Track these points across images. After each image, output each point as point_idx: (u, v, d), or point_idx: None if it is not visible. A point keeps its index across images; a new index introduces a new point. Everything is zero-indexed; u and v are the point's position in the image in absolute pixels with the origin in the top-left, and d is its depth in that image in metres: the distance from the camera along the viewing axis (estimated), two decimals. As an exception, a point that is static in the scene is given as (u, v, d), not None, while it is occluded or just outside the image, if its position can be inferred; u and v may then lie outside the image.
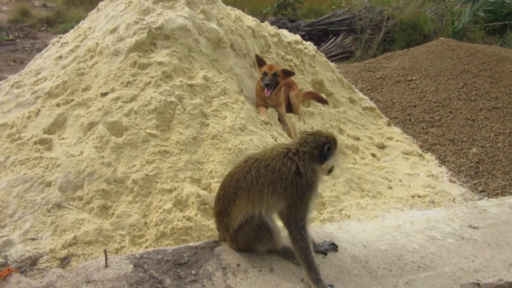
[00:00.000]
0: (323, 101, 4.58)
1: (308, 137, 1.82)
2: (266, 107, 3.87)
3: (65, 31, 7.03)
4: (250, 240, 1.69)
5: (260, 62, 3.92)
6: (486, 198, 3.15)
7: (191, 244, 1.75)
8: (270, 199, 1.71)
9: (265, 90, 3.77)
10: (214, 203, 1.93)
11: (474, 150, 4.39)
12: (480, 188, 3.85)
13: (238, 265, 1.63)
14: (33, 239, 2.55)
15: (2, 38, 8.55)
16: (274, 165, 1.72)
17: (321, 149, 1.76)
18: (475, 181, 3.96)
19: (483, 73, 5.74)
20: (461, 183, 3.93)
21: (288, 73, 3.89)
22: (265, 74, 3.80)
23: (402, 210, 3.31)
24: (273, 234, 1.69)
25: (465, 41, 8.02)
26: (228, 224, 1.75)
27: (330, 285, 1.66)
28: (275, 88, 3.82)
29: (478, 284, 1.71)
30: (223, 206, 1.81)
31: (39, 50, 7.12)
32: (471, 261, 1.84)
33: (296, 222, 1.63)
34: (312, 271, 1.61)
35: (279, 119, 3.95)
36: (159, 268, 1.54)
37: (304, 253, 1.61)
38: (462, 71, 5.88)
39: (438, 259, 1.83)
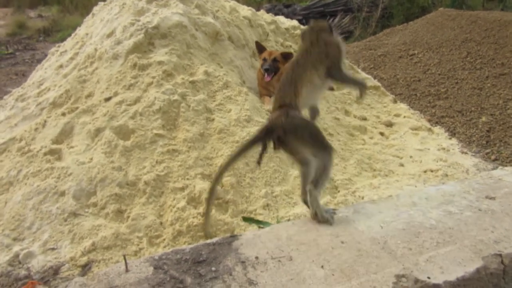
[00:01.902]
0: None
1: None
2: (270, 96, 3.85)
3: (63, 39, 7.04)
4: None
5: (260, 48, 3.89)
6: (500, 167, 3.12)
7: (208, 241, 1.75)
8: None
9: (265, 76, 3.74)
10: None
11: (483, 119, 4.34)
12: (493, 157, 3.82)
13: (256, 257, 1.63)
14: (53, 249, 2.58)
15: (1, 52, 8.59)
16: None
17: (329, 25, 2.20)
18: (487, 150, 3.93)
19: (487, 40, 5.65)
20: (473, 154, 3.90)
21: (287, 56, 3.83)
22: (264, 60, 3.78)
23: (415, 187, 3.29)
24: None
25: (465, 9, 7.88)
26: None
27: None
28: (275, 74, 3.78)
29: (500, 255, 1.70)
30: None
31: (39, 61, 7.14)
32: (490, 232, 1.82)
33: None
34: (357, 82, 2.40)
35: None
36: (179, 268, 1.55)
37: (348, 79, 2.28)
38: (465, 40, 5.79)
39: (457, 233, 1.81)
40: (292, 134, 1.80)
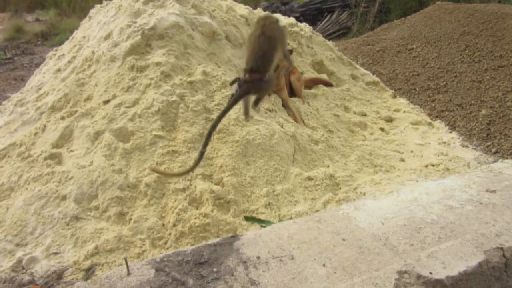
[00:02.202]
0: (328, 85, 4.55)
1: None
2: (269, 94, 3.85)
3: (60, 42, 7.03)
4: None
5: None
6: (500, 160, 3.11)
7: (210, 242, 1.75)
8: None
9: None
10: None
11: (483, 112, 4.33)
12: (493, 150, 3.81)
13: (258, 257, 1.63)
14: (56, 253, 2.58)
15: (0, 57, 8.59)
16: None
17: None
18: (488, 143, 3.92)
19: (484, 33, 5.63)
20: (474, 147, 3.90)
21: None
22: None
23: (417, 181, 3.29)
24: None
25: (462, 2, 7.86)
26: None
27: None
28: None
29: (502, 248, 1.70)
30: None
31: (37, 65, 7.14)
32: (492, 225, 1.82)
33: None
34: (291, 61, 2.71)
35: (283, 105, 3.92)
36: (181, 270, 1.55)
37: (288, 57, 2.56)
38: (463, 33, 5.78)
39: (458, 227, 1.81)
40: (258, 91, 2.41)
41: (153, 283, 1.48)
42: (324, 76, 4.67)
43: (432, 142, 3.92)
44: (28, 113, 3.59)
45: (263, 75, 2.34)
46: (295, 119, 3.77)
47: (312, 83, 4.48)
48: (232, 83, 2.55)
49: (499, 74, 4.85)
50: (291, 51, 3.87)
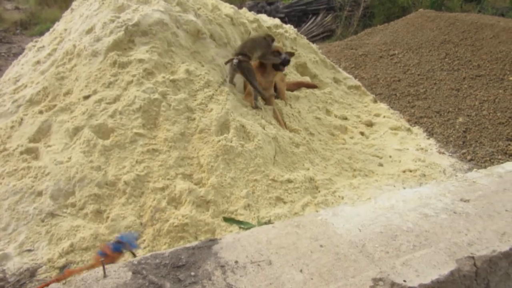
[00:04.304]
0: (312, 87, 4.57)
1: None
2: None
3: (41, 33, 6.88)
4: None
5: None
6: (475, 169, 3.20)
7: (188, 245, 1.75)
8: None
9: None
10: None
11: (460, 119, 4.43)
12: (469, 157, 3.91)
13: (236, 261, 1.64)
14: (29, 250, 2.53)
15: (-24, 45, 8.34)
16: None
17: None
18: (464, 151, 4.02)
19: (464, 42, 5.76)
20: (450, 154, 3.99)
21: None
22: (278, 52, 3.93)
23: (394, 186, 3.35)
24: None
25: (444, 11, 8.03)
26: None
27: None
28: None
29: (473, 257, 1.75)
30: None
31: (16, 55, 6.97)
32: (464, 235, 1.87)
33: None
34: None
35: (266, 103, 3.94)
36: (158, 273, 1.54)
37: None
38: (443, 42, 5.90)
39: (433, 236, 1.85)
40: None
41: (129, 286, 1.47)
42: (307, 79, 4.70)
43: (410, 148, 4.00)
44: (5, 106, 3.50)
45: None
46: (277, 121, 3.79)
47: (295, 87, 4.50)
48: (227, 63, 3.73)
49: (477, 83, 4.97)
50: (292, 54, 4.02)
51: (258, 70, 3.83)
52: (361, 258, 1.69)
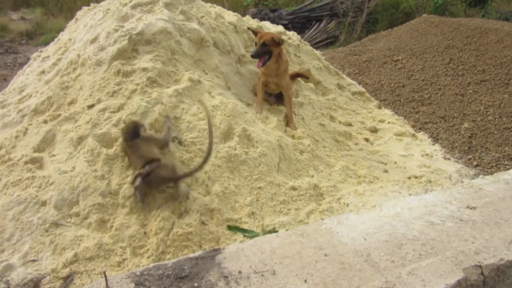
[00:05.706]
0: (304, 77, 4.54)
1: None
2: (267, 84, 3.87)
3: (46, 42, 6.93)
4: None
5: (254, 33, 3.88)
6: (481, 176, 3.17)
7: (191, 255, 1.74)
8: None
9: (257, 62, 3.69)
10: None
11: (465, 125, 4.41)
12: (474, 163, 3.88)
13: (240, 272, 1.62)
14: (33, 260, 2.53)
15: (-18, 55, 8.42)
16: None
17: None
18: (469, 156, 3.99)
19: (468, 47, 5.74)
20: (456, 159, 3.96)
21: (279, 42, 3.72)
22: (255, 44, 3.74)
23: (399, 193, 3.32)
24: None
25: (448, 16, 8.01)
26: None
27: None
28: (269, 58, 3.70)
29: (480, 266, 1.72)
30: None
31: (21, 64, 7.02)
32: (471, 243, 1.84)
33: None
34: None
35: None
36: (161, 284, 1.53)
37: None
38: (447, 47, 5.88)
39: (439, 244, 1.83)
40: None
41: (132, 298, 1.46)
42: (301, 70, 4.67)
43: (415, 154, 3.97)
44: (10, 115, 3.52)
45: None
46: (288, 120, 3.80)
47: (293, 78, 4.48)
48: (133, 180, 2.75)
49: (481, 88, 4.94)
50: (282, 40, 3.76)
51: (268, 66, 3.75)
52: (366, 268, 1.67)
